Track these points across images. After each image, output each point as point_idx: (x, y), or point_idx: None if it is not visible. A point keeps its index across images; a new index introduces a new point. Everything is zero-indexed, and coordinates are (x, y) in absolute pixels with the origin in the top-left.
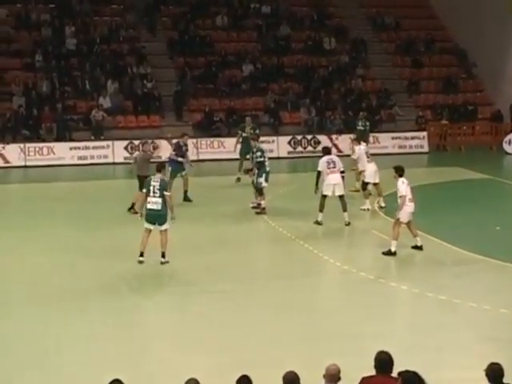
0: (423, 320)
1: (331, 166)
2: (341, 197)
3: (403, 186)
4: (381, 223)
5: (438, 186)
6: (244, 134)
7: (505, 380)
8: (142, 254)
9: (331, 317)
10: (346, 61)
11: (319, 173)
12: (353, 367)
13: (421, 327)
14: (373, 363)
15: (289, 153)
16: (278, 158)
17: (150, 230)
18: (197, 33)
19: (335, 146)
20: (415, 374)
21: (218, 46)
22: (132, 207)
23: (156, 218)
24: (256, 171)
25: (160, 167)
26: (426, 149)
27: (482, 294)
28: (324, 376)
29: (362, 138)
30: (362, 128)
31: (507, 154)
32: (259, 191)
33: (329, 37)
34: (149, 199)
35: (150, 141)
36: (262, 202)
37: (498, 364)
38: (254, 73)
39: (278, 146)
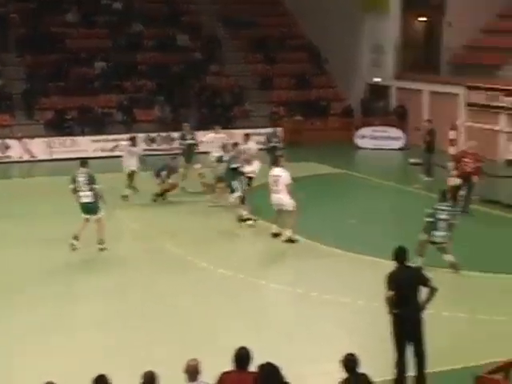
0: (283, 314)
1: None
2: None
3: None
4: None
5: (293, 181)
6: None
7: (361, 370)
8: (76, 238)
9: (196, 314)
10: (199, 58)
11: None
12: (215, 363)
13: (280, 321)
14: (233, 358)
15: (144, 150)
16: None
17: (88, 219)
18: (47, 30)
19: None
20: (273, 365)
21: (69, 43)
22: None
23: (89, 209)
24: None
25: (84, 163)
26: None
27: (339, 287)
28: (185, 371)
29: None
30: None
31: (359, 148)
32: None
33: (182, 34)
34: (80, 193)
35: None
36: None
37: (353, 355)
38: (107, 70)
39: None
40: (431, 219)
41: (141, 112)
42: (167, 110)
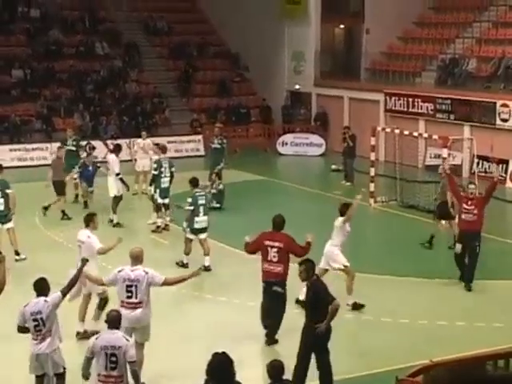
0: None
1: None
2: None
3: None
4: None
5: None
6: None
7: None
8: None
9: None
10: (119, 65)
11: None
12: None
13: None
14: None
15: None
16: None
17: None
18: None
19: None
20: (226, 356)
21: None
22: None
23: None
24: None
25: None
26: (202, 152)
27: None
28: (129, 256)
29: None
30: (219, 146)
31: (281, 154)
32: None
33: (101, 41)
34: None
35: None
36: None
37: (279, 361)
38: (24, 78)
39: (51, 152)
40: (192, 207)
41: (60, 120)
42: (87, 118)
